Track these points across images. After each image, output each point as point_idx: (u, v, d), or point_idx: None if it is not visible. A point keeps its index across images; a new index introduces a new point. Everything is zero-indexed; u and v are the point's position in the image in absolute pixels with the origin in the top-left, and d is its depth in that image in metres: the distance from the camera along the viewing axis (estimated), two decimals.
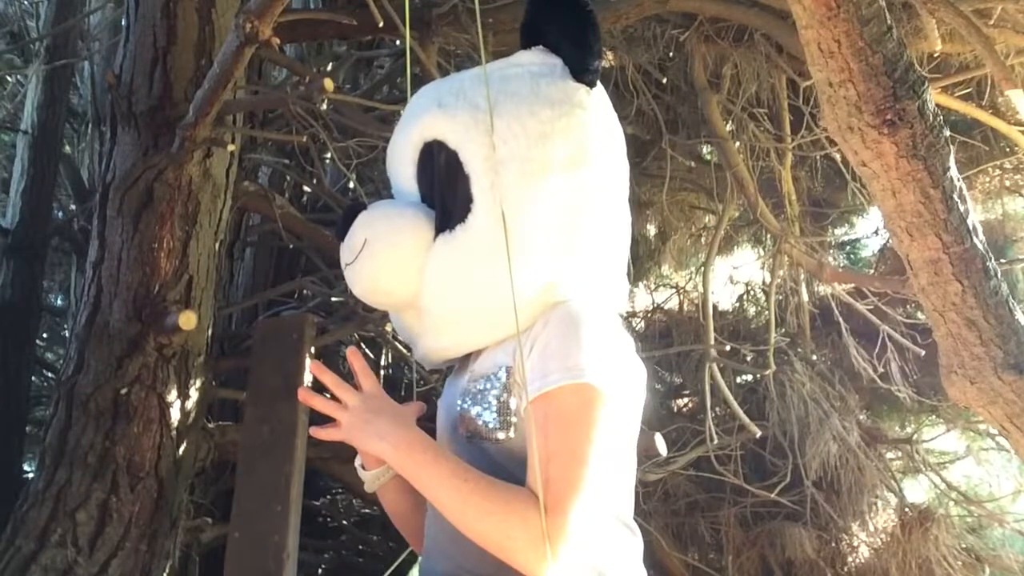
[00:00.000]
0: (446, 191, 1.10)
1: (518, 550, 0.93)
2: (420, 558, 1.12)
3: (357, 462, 1.17)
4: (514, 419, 1.03)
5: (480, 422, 1.04)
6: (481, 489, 0.95)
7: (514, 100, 1.08)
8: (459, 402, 1.08)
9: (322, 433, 1.06)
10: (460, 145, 1.08)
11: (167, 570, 2.58)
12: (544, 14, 1.16)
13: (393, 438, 1.00)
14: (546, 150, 1.06)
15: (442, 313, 1.09)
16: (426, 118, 1.12)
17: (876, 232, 5.15)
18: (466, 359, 1.15)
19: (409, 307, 1.13)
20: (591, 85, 1.13)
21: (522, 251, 1.03)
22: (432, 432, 1.16)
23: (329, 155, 3.26)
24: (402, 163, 1.17)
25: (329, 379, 1.05)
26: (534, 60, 1.14)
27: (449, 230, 1.07)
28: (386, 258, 1.08)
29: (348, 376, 1.13)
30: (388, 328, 3.14)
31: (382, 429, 1.01)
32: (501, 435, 1.03)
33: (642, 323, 5.32)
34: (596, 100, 1.14)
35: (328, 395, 1.08)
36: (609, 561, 1.02)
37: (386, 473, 1.13)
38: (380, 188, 4.19)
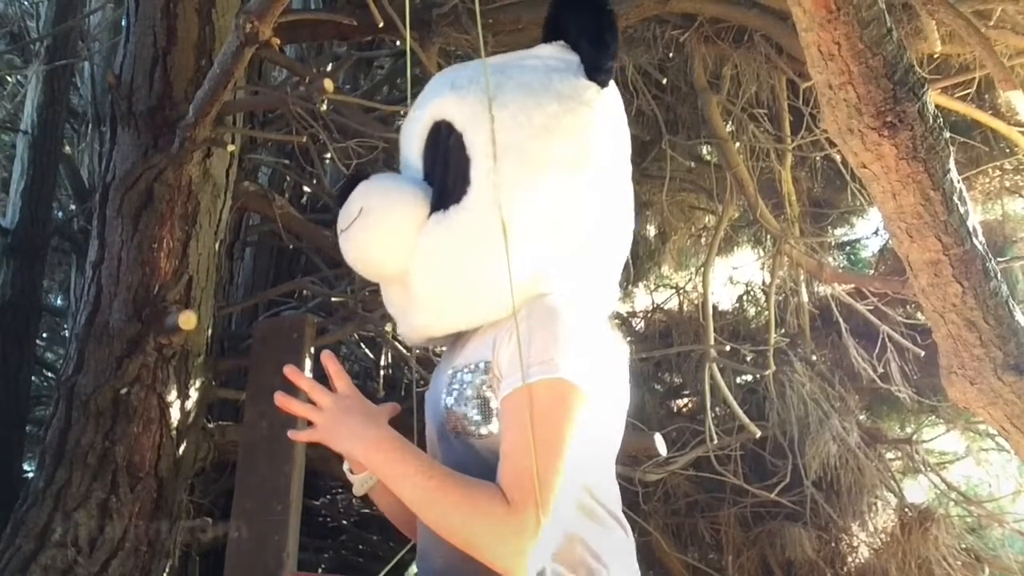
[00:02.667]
0: (446, 171, 1.11)
1: (484, 545, 0.93)
2: (416, 559, 1.13)
3: (345, 466, 1.17)
4: (494, 414, 1.03)
5: (463, 418, 1.05)
6: (446, 485, 0.96)
7: (524, 90, 1.09)
8: (443, 398, 1.08)
9: (301, 436, 1.08)
10: (466, 128, 1.09)
11: (167, 570, 2.58)
12: (566, 10, 1.17)
13: (363, 438, 1.02)
14: (547, 144, 1.07)
15: (427, 290, 1.10)
16: (438, 98, 1.14)
17: (876, 233, 5.16)
18: (451, 351, 1.16)
19: (398, 281, 1.14)
20: (603, 84, 1.14)
21: (511, 239, 1.04)
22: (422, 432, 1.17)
23: (329, 155, 3.26)
24: (412, 139, 1.19)
25: (304, 383, 1.07)
26: (553, 54, 1.16)
27: (443, 209, 1.08)
28: (378, 230, 1.09)
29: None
30: (388, 328, 3.14)
31: (353, 428, 1.03)
32: (484, 430, 1.03)
33: (642, 323, 5.32)
34: (606, 100, 1.15)
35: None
36: (600, 555, 1.02)
37: (373, 476, 1.13)
38: None
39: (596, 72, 1.13)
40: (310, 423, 1.07)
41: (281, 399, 1.05)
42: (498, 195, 1.04)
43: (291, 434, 1.09)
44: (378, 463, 1.01)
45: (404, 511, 1.17)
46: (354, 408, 1.05)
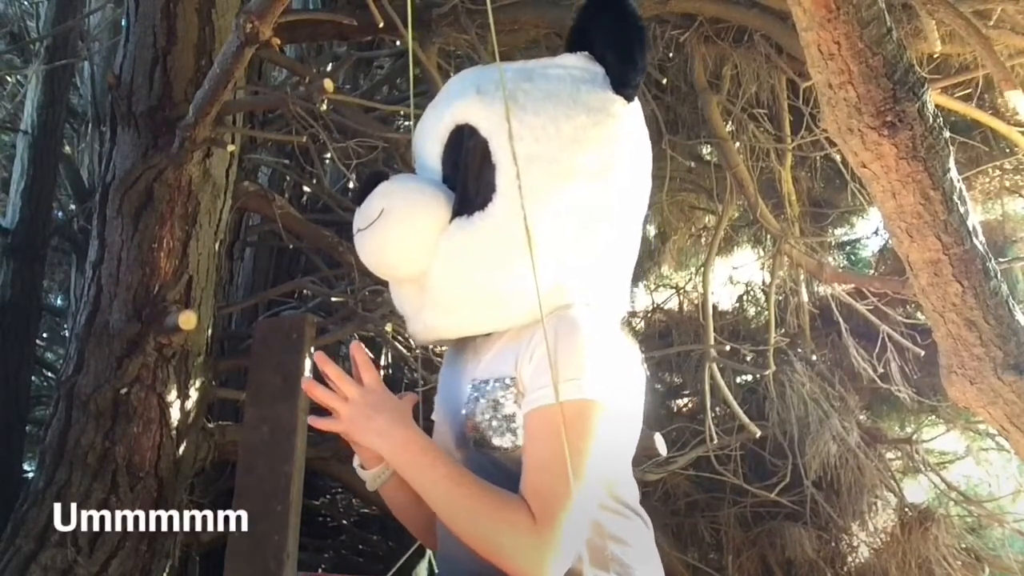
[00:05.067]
0: (470, 176, 1.10)
1: (507, 557, 0.95)
2: (439, 560, 1.13)
3: (356, 462, 1.17)
4: (519, 429, 1.04)
5: (487, 430, 1.05)
6: (474, 494, 0.97)
7: (552, 100, 1.09)
8: (465, 409, 1.08)
9: (321, 423, 1.06)
10: (492, 134, 1.08)
11: (167, 570, 2.58)
12: (594, 22, 1.17)
13: (391, 437, 1.02)
14: (575, 155, 1.07)
15: (446, 294, 1.10)
16: (463, 101, 1.12)
17: (876, 232, 5.16)
18: (464, 356, 1.16)
19: (412, 282, 1.13)
20: (629, 99, 1.14)
21: (535, 247, 1.04)
22: (429, 429, 1.17)
23: (329, 155, 3.26)
24: (431, 140, 1.18)
25: (331, 370, 1.05)
26: (577, 64, 1.15)
27: (467, 215, 1.08)
28: (398, 232, 1.08)
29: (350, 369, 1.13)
30: (388, 328, 3.14)
31: (381, 426, 1.02)
32: (508, 443, 1.04)
33: (642, 323, 5.32)
34: (631, 114, 1.15)
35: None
36: (628, 546, 1.05)
37: (385, 471, 1.13)
38: None
39: (623, 87, 1.13)
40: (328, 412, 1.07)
41: (308, 385, 1.05)
42: (524, 204, 1.04)
43: (312, 420, 1.07)
44: (405, 465, 1.01)
45: (413, 511, 1.17)
46: (382, 404, 1.04)
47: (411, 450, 1.01)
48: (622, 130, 1.12)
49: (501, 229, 1.05)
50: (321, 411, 1.08)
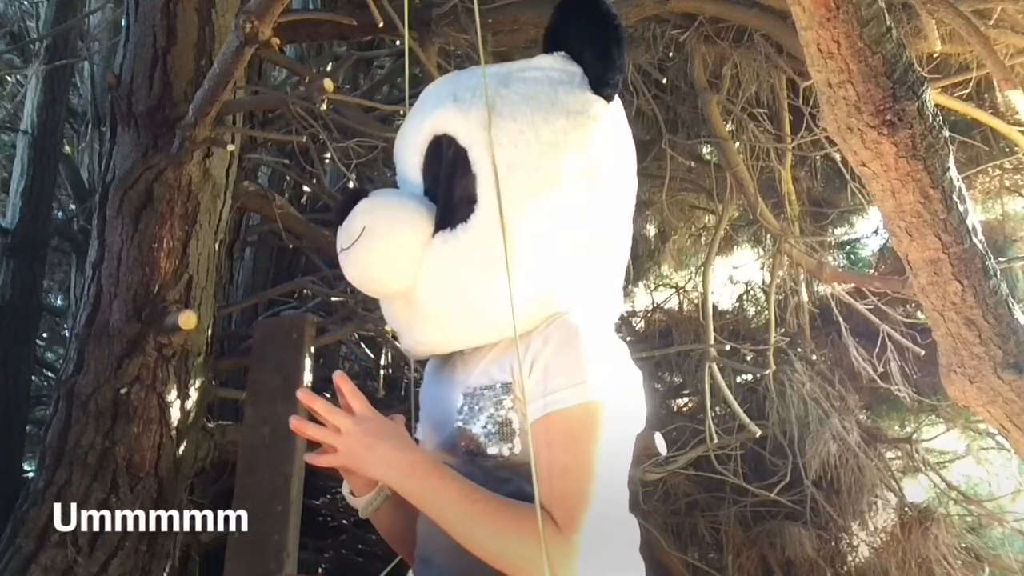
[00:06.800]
0: (451, 188, 1.08)
1: (533, 568, 0.93)
2: (417, 564, 1.11)
3: (345, 489, 1.14)
4: (516, 435, 1.02)
5: (481, 438, 1.03)
6: (492, 510, 0.95)
7: (531, 105, 1.07)
8: (457, 419, 1.07)
9: (319, 460, 1.03)
10: (471, 143, 1.06)
11: (167, 570, 2.58)
12: (570, 21, 1.14)
13: (397, 463, 0.99)
14: (556, 160, 1.05)
15: (434, 308, 1.08)
16: (440, 111, 1.10)
17: (876, 232, 5.16)
18: (452, 368, 1.14)
19: (400, 297, 1.11)
20: (609, 99, 1.12)
21: (520, 257, 1.03)
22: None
23: (329, 155, 3.26)
24: (410, 152, 1.16)
25: (319, 406, 1.01)
26: (555, 66, 1.13)
27: (450, 228, 1.06)
28: (382, 249, 1.07)
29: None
30: (388, 328, 3.14)
31: (385, 454, 0.99)
32: (504, 451, 1.03)
33: (642, 323, 5.32)
34: (612, 113, 1.13)
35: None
36: (612, 549, 1.03)
37: (378, 496, 1.10)
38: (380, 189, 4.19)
39: (603, 87, 1.11)
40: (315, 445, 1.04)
41: (297, 424, 1.01)
42: (505, 213, 1.03)
43: (310, 458, 1.04)
44: (416, 489, 0.98)
45: (406, 530, 1.15)
46: (380, 431, 1.01)
47: (420, 473, 0.98)
48: (603, 131, 1.10)
49: (485, 240, 1.03)
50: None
